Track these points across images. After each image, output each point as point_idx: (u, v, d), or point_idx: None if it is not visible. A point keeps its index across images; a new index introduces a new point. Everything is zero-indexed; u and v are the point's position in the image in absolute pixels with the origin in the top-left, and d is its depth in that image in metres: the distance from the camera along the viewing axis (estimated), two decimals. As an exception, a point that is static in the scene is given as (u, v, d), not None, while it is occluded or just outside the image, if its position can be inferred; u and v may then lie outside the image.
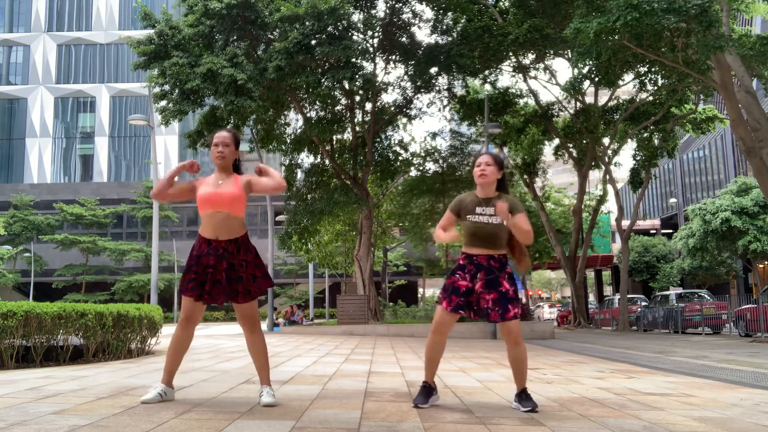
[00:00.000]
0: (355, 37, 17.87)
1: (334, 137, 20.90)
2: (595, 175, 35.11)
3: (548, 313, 44.66)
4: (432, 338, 3.84)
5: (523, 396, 3.79)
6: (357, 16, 18.28)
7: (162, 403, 3.67)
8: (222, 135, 3.82)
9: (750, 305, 16.19)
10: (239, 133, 3.90)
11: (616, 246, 33.96)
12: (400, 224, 28.74)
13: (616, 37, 14.21)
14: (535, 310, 42.05)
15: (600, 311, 28.12)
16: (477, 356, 8.31)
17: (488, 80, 22.12)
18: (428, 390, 3.84)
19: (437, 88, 20.49)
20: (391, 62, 19.98)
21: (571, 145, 24.49)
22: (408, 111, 21.09)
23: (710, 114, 23.66)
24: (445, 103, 21.28)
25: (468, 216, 3.82)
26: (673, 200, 45.01)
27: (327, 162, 20.81)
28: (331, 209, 18.47)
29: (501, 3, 20.52)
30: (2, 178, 50.55)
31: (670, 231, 42.09)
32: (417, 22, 19.62)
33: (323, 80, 16.93)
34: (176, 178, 3.82)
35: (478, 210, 3.82)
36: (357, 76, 16.84)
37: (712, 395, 4.65)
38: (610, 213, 33.89)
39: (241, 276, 3.68)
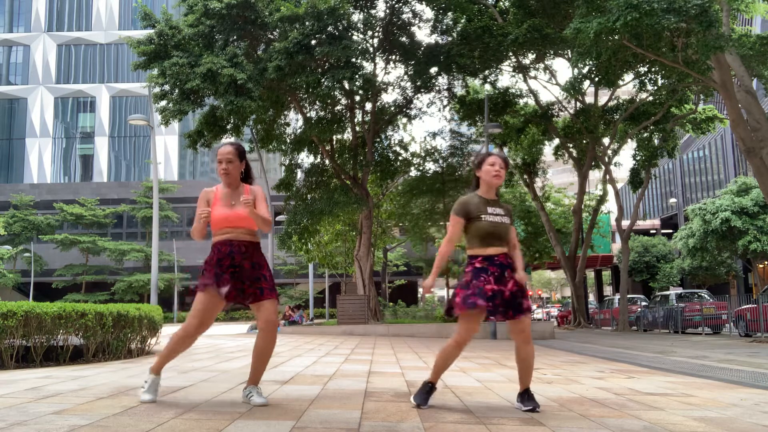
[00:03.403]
0: (355, 37, 17.86)
1: (334, 137, 20.90)
2: (595, 175, 35.06)
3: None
4: (455, 352, 3.75)
5: (525, 396, 3.78)
6: (357, 16, 18.29)
7: (162, 403, 3.67)
8: (225, 151, 3.72)
9: (750, 305, 16.18)
10: (242, 145, 3.83)
11: (616, 246, 33.95)
12: (400, 224, 28.72)
13: (616, 37, 14.20)
14: None
15: (600, 311, 28.10)
16: (477, 356, 8.30)
17: (488, 80, 22.11)
18: (431, 389, 3.83)
19: (437, 88, 20.50)
20: (391, 62, 19.98)
21: (571, 145, 24.47)
22: (408, 111, 21.09)
23: (710, 114, 23.64)
24: (445, 103, 21.29)
25: (482, 216, 3.78)
26: (673, 200, 45.00)
27: (327, 162, 20.80)
28: (331, 209, 18.47)
29: (501, 3, 20.51)
30: (2, 178, 50.55)
31: (670, 231, 42.11)
32: (417, 22, 19.64)
33: (323, 80, 16.93)
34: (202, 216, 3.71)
35: (490, 210, 3.81)
36: (357, 76, 16.83)
37: (712, 395, 4.64)
38: (610, 213, 33.88)
39: (260, 276, 3.66)
